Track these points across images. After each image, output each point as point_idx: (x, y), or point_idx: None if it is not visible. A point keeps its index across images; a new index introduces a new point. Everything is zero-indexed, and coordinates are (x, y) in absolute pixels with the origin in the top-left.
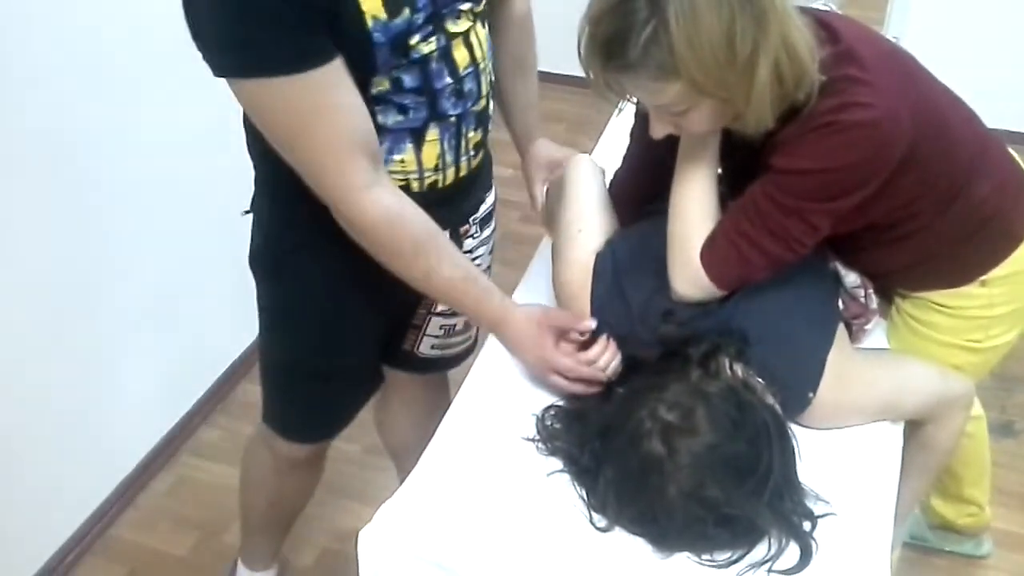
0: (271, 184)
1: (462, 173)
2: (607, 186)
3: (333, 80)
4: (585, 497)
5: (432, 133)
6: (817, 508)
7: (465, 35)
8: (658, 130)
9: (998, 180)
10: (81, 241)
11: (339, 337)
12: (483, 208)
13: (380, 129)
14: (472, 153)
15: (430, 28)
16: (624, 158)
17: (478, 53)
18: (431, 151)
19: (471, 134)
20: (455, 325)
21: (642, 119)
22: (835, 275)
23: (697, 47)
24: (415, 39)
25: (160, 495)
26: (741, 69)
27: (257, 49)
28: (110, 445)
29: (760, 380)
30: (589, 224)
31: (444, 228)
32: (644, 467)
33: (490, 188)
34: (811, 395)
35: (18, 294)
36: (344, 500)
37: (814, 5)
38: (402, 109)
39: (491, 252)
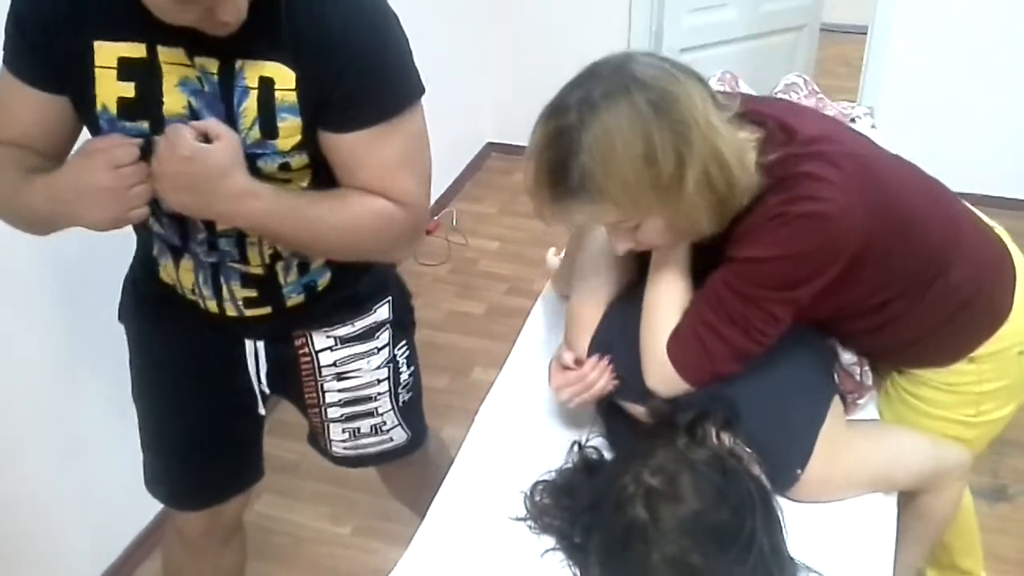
0: None
1: (231, 314)
2: None
3: (13, 88)
4: (579, 575)
5: (186, 264)
6: None
7: None
8: (618, 247)
9: (974, 262)
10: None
11: (148, 399)
12: (345, 330)
13: (152, 231)
14: (241, 304)
15: None
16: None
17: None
18: (186, 277)
19: (236, 288)
20: (359, 429)
21: None
22: (833, 351)
23: (615, 173)
24: None
25: None
26: (666, 186)
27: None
28: (94, 533)
29: (747, 450)
30: (613, 272)
31: (245, 334)
32: (628, 533)
33: (365, 314)
34: (799, 472)
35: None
36: None
37: (789, 76)
38: (161, 224)
39: (387, 367)
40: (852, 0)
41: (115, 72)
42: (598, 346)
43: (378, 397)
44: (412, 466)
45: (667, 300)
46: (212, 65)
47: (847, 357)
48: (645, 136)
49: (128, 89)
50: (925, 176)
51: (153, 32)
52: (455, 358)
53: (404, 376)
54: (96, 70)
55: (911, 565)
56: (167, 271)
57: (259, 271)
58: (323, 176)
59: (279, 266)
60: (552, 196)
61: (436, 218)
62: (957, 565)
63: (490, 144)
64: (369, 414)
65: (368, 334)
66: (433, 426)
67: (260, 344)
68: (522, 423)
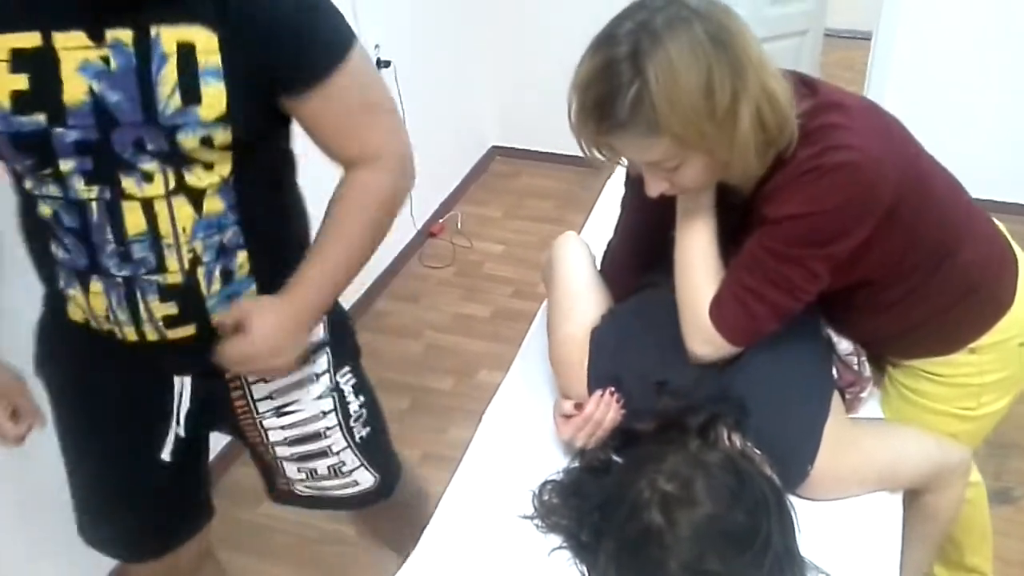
0: None
1: (151, 338)
2: (602, 256)
3: None
4: (587, 574)
5: (96, 285)
6: None
7: (147, 202)
8: (653, 188)
9: (984, 248)
10: None
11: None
12: None
13: (56, 259)
14: (161, 323)
15: (90, 166)
16: (616, 228)
17: (163, 227)
18: (98, 302)
19: (154, 304)
20: (315, 470)
21: (634, 187)
22: (828, 342)
23: (677, 103)
24: (67, 165)
25: None
26: (721, 120)
27: None
28: None
29: (758, 451)
30: (579, 300)
31: (169, 367)
32: (643, 538)
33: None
34: (809, 467)
35: None
36: None
37: None
38: (65, 248)
39: (330, 397)
40: (856, 5)
41: (7, 65)
42: (597, 380)
43: (328, 433)
44: (386, 511)
45: (701, 259)
46: (126, 36)
47: (844, 346)
48: (707, 67)
49: (20, 81)
50: (937, 162)
51: (47, 18)
52: (460, 360)
53: (353, 407)
54: None
55: (918, 565)
56: (76, 302)
57: (178, 279)
58: (246, 165)
59: (200, 272)
60: (600, 129)
61: (441, 221)
62: (966, 563)
63: (495, 148)
64: (323, 453)
65: (303, 359)
66: (439, 427)
67: (187, 380)
68: (529, 424)
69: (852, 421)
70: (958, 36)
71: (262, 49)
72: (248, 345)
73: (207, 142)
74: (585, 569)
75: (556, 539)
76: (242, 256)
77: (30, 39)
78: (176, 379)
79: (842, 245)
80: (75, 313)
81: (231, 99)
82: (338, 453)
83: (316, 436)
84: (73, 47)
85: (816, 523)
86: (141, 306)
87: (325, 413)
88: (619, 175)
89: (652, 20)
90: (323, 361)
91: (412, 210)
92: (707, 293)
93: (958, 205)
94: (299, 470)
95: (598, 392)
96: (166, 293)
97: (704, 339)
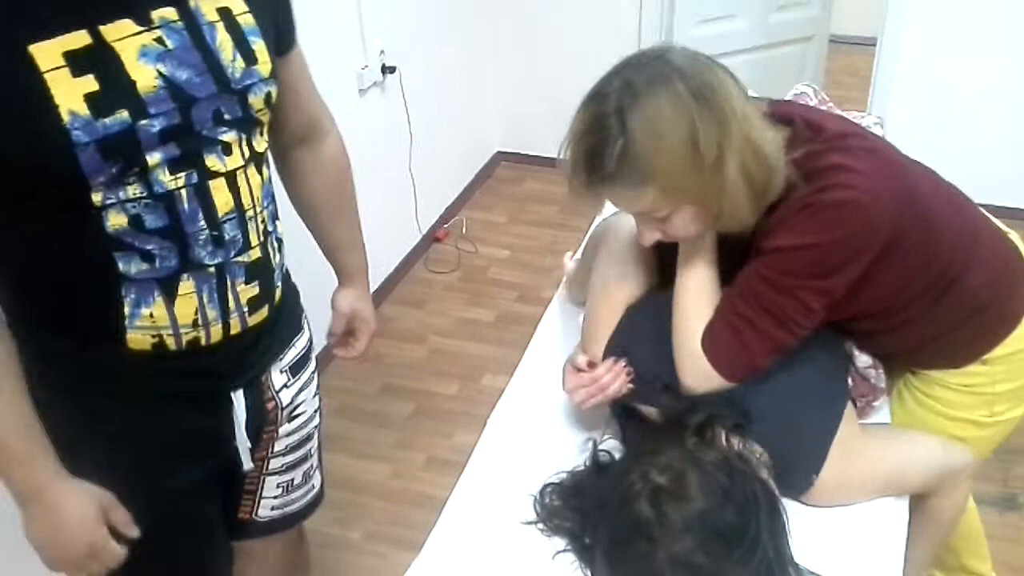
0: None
1: (234, 331)
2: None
3: None
4: (590, 574)
5: (186, 285)
6: None
7: (231, 176)
8: (647, 237)
9: (991, 269)
10: None
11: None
12: (291, 354)
13: (122, 278)
14: (247, 309)
15: (176, 152)
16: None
17: (246, 199)
18: (186, 306)
19: (241, 287)
20: (293, 480)
21: None
22: (849, 356)
23: (661, 156)
24: (154, 159)
25: None
26: (709, 172)
27: None
28: None
29: (757, 455)
30: (635, 271)
31: (231, 380)
32: (633, 529)
33: (300, 330)
34: (814, 477)
35: None
36: None
37: (799, 87)
38: (146, 256)
39: (317, 395)
40: (861, 11)
41: (67, 70)
42: (614, 349)
43: (314, 434)
44: (295, 546)
45: (697, 294)
46: (171, 13)
47: (863, 360)
48: (689, 121)
49: (88, 83)
50: (940, 180)
51: (89, 13)
52: (465, 365)
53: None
54: (44, 76)
55: (919, 566)
56: (152, 321)
57: (258, 254)
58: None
59: (269, 243)
60: (590, 181)
61: (446, 226)
62: (965, 567)
63: (499, 153)
64: (306, 457)
65: (306, 357)
66: (443, 432)
67: (241, 395)
68: (534, 429)
69: (861, 430)
70: (963, 42)
71: (271, 5)
72: (370, 332)
73: (268, 101)
74: (588, 570)
75: (561, 542)
76: (279, 224)
77: (79, 39)
78: (233, 396)
79: (838, 280)
80: (141, 341)
81: (270, 55)
82: (313, 455)
83: (308, 439)
84: (125, 36)
85: (821, 525)
86: (230, 295)
87: (315, 413)
88: None
89: (634, 80)
90: (314, 357)
91: (417, 215)
92: (701, 324)
93: (963, 230)
94: (278, 485)
95: (611, 359)
96: (250, 272)
97: (696, 371)
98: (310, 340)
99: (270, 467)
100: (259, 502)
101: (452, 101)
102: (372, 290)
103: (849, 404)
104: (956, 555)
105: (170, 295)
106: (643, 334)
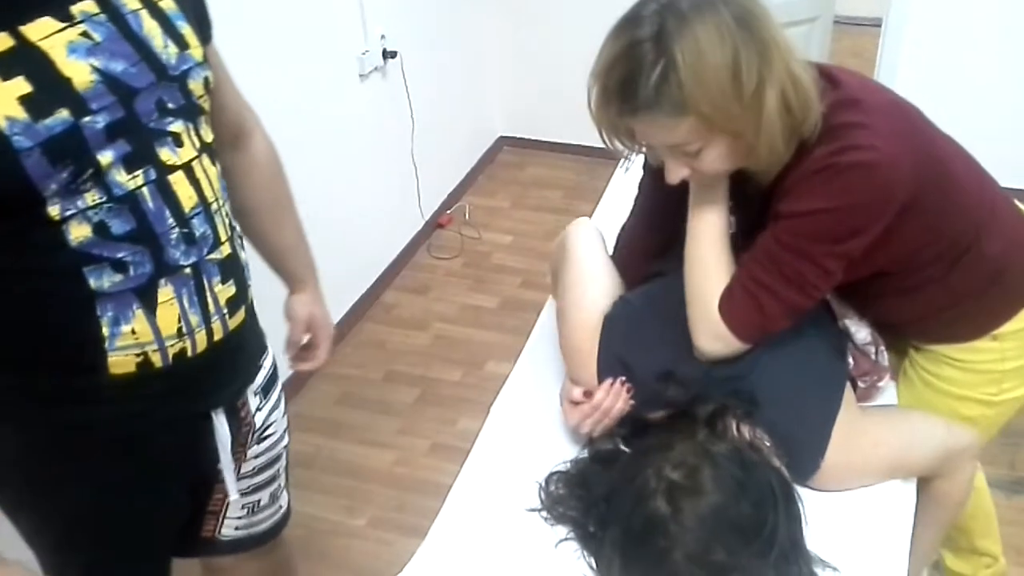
0: None
1: (217, 336)
2: (615, 240)
3: None
4: (594, 565)
5: (165, 292)
6: (824, 575)
7: (188, 168)
8: (674, 174)
9: (1008, 238)
10: None
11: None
12: (261, 375)
13: (96, 295)
14: (226, 311)
15: (128, 149)
16: (632, 211)
17: (208, 192)
18: (168, 314)
19: (218, 287)
20: (260, 500)
21: (652, 171)
22: (845, 332)
23: (704, 82)
24: (106, 158)
25: None
26: (748, 101)
27: None
28: None
29: (767, 443)
30: (592, 287)
31: (213, 408)
32: (649, 527)
33: (265, 349)
34: (821, 460)
35: None
36: (349, 575)
37: None
38: (119, 265)
39: (286, 415)
40: None
41: None
42: (607, 367)
43: (282, 454)
44: (278, 551)
45: (711, 248)
46: (91, 7)
47: (862, 335)
48: (732, 49)
49: (20, 85)
50: (958, 146)
51: (6, 16)
52: (469, 351)
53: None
54: None
55: (926, 550)
56: (134, 337)
57: (228, 250)
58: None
59: (235, 237)
60: (623, 111)
61: (449, 212)
62: (976, 547)
63: (502, 138)
64: (274, 478)
65: (274, 376)
66: (448, 418)
67: (221, 415)
68: (537, 415)
69: (862, 411)
70: (969, 23)
71: None
72: (329, 337)
73: (207, 86)
74: (592, 560)
75: (564, 530)
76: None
77: (1, 42)
78: (213, 416)
79: (856, 242)
80: (124, 363)
81: (199, 40)
82: (281, 475)
83: (277, 459)
84: (49, 34)
85: (828, 511)
86: (209, 297)
87: (284, 432)
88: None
89: (678, 1)
90: (279, 378)
91: (420, 201)
92: (717, 288)
93: (982, 196)
94: (243, 506)
95: (608, 380)
96: (224, 270)
97: (713, 334)
98: (274, 359)
99: (238, 488)
100: (223, 522)
101: (454, 86)
102: (375, 277)
103: (848, 387)
104: (968, 535)
105: (150, 305)
106: (631, 338)
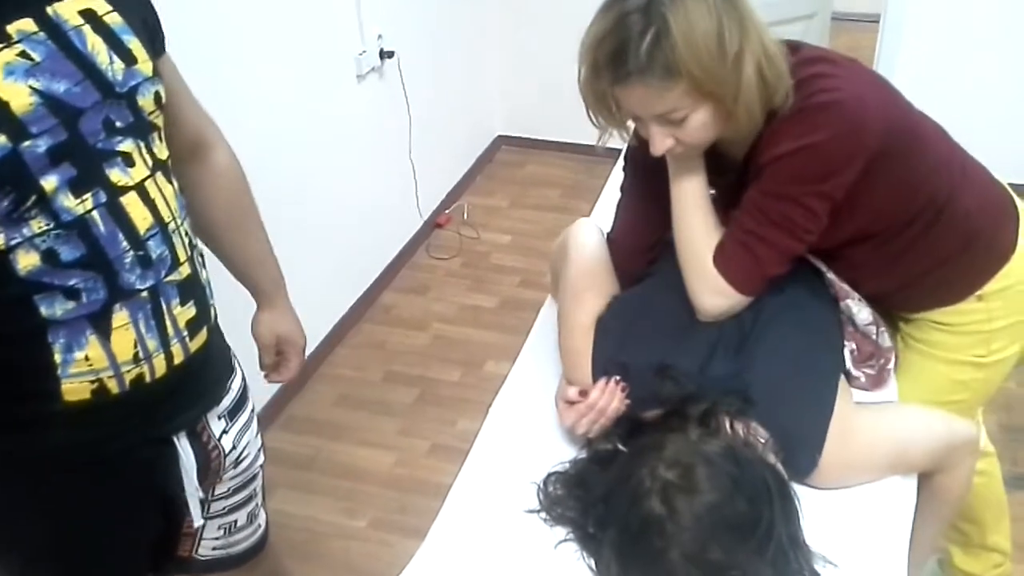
0: None
1: (178, 360)
2: (607, 241)
3: None
4: (593, 566)
5: (120, 317)
6: (824, 571)
7: (141, 189)
8: (658, 144)
9: (980, 196)
10: None
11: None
12: (228, 398)
13: (47, 323)
14: (186, 333)
15: (72, 172)
16: (617, 214)
17: (164, 212)
18: (124, 340)
19: (177, 310)
20: (236, 521)
21: (634, 167)
22: (847, 314)
23: (694, 45)
24: (50, 183)
25: None
26: (731, 65)
27: None
28: None
29: (762, 439)
30: (592, 288)
31: (174, 433)
32: (645, 528)
33: (233, 371)
34: (818, 456)
35: None
36: None
37: None
38: (70, 293)
39: (259, 434)
40: None
41: None
42: (602, 368)
43: (258, 474)
44: (264, 564)
45: (698, 218)
46: (29, 25)
47: (863, 316)
48: (717, 18)
49: None
50: (924, 114)
51: None
52: (468, 351)
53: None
54: None
55: (926, 545)
56: (88, 364)
57: (187, 270)
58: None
59: (195, 257)
60: (615, 78)
61: (447, 212)
62: (987, 543)
63: (500, 137)
64: (250, 498)
65: (243, 398)
66: (447, 418)
67: (184, 439)
68: (536, 415)
69: (858, 407)
70: (966, 19)
71: (138, 6)
72: (300, 351)
73: (159, 101)
74: (591, 561)
75: (563, 532)
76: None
77: None
78: (175, 441)
79: (835, 182)
80: (78, 391)
81: (148, 54)
82: (258, 494)
83: (253, 479)
84: None
85: (828, 506)
86: (167, 319)
87: (259, 451)
88: (621, 163)
89: None
90: (250, 398)
91: (418, 201)
92: (709, 244)
93: (952, 156)
94: (219, 527)
95: (603, 380)
96: (184, 291)
97: (712, 289)
98: (244, 379)
99: (211, 510)
100: (199, 543)
101: (452, 85)
102: (374, 277)
103: (845, 384)
104: (980, 528)
105: (104, 331)
106: (626, 334)
